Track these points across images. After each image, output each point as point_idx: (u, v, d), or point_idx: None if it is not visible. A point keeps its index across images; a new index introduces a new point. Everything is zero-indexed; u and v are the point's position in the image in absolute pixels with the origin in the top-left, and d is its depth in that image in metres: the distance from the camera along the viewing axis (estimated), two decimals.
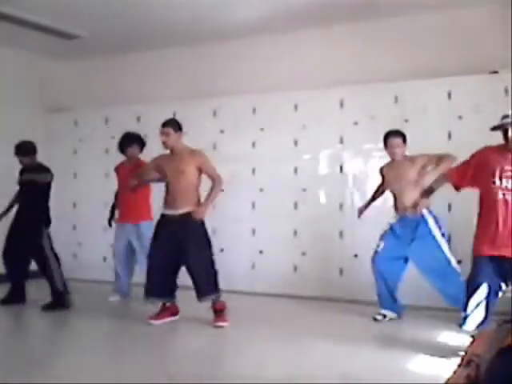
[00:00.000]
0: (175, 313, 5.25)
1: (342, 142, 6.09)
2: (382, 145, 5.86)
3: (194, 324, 5.09)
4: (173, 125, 4.96)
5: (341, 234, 6.06)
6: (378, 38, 6.18)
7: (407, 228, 4.90)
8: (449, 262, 4.83)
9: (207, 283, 4.98)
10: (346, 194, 6.06)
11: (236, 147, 6.57)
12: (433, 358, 3.96)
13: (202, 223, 5.02)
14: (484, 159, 3.98)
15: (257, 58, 6.80)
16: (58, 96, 7.92)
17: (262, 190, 6.45)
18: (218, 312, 5.01)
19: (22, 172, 5.86)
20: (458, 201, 5.29)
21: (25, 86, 7.52)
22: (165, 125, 4.95)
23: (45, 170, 5.76)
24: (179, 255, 4.94)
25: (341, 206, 6.08)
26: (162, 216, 5.07)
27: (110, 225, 6.23)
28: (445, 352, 4.02)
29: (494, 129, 3.89)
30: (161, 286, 5.07)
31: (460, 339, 4.10)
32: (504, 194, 3.86)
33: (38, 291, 5.99)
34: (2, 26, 6.18)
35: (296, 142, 6.29)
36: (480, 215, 4.06)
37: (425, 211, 4.83)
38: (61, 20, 6.25)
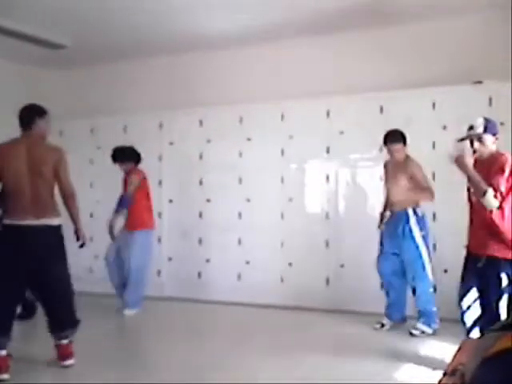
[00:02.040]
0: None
1: (328, 151, 6.10)
2: (368, 155, 5.92)
3: (182, 331, 5.05)
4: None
5: (327, 243, 6.06)
6: (363, 49, 6.21)
7: (394, 222, 5.02)
8: (423, 267, 4.88)
9: (68, 313, 4.16)
10: (333, 203, 6.07)
11: (223, 157, 6.56)
12: (419, 368, 3.96)
13: (62, 236, 4.16)
14: None
15: (243, 68, 6.81)
16: (44, 105, 7.83)
17: (248, 199, 6.43)
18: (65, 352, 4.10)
19: None
20: (442, 210, 5.32)
21: (11, 96, 7.45)
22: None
23: None
24: (31, 277, 4.05)
25: (327, 216, 6.09)
26: (7, 227, 4.01)
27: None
28: (431, 361, 4.02)
29: (461, 140, 3.85)
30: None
31: (446, 349, 4.09)
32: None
33: None
34: None
35: (283, 152, 6.29)
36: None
37: (410, 210, 4.91)
38: (46, 30, 6.22)
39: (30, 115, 4.14)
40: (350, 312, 5.57)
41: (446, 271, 5.31)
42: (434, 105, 5.60)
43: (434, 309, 4.90)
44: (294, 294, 6.14)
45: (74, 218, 4.13)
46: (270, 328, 5.35)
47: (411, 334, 4.83)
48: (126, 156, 6.00)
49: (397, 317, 5.11)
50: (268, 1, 5.42)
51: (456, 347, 2.02)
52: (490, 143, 3.71)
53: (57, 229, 4.08)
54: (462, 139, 3.83)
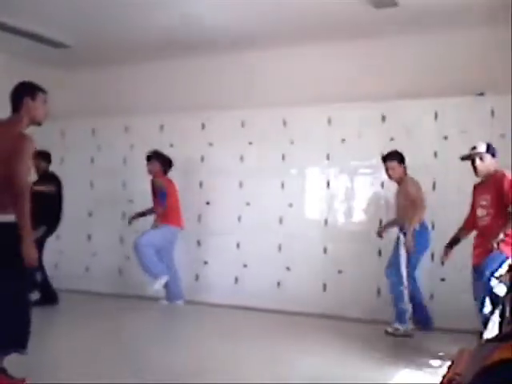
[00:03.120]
0: None
1: (328, 158, 6.13)
2: (368, 162, 5.95)
3: (178, 333, 5.06)
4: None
5: (325, 249, 6.07)
6: (366, 58, 6.23)
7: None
8: (399, 283, 5.01)
9: (16, 328, 3.44)
10: (332, 210, 6.09)
11: (224, 160, 6.58)
12: (417, 373, 3.98)
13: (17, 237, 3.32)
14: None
15: (247, 73, 6.83)
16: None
17: (248, 203, 6.45)
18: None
19: None
20: (441, 219, 5.34)
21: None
22: None
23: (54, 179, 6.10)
24: None
25: (326, 222, 6.10)
26: None
27: (129, 223, 6.43)
28: (428, 370, 4.04)
29: (463, 159, 4.42)
30: None
31: (443, 357, 4.11)
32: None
33: None
34: None
35: (284, 157, 6.32)
36: None
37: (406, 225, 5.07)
38: (49, 28, 6.24)
39: (18, 94, 3.65)
40: (346, 318, 5.58)
41: (443, 280, 5.34)
42: (436, 115, 5.62)
43: (405, 307, 5.01)
44: (291, 298, 6.14)
45: (20, 220, 3.29)
46: (265, 332, 5.36)
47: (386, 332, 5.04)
48: (152, 157, 6.30)
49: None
50: (272, 8, 5.44)
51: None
52: (489, 162, 4.30)
53: (12, 227, 3.31)
54: (465, 157, 4.39)
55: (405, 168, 5.17)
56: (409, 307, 5.03)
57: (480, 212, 4.36)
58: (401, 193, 5.16)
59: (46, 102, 3.67)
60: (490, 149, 4.33)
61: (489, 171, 4.32)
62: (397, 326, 5.04)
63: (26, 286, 3.59)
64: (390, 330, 5.06)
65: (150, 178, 6.27)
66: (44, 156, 6.16)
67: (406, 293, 5.01)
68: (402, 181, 5.17)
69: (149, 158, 6.29)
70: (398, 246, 5.07)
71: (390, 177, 5.22)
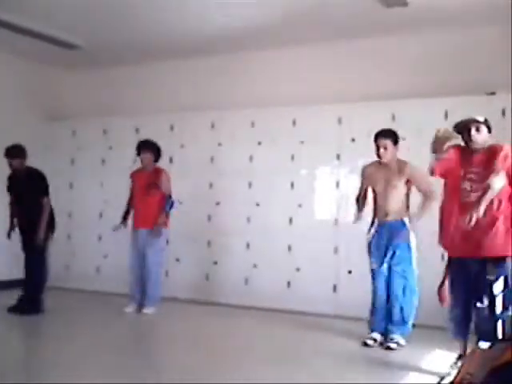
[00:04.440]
0: None
1: (338, 158, 6.12)
2: None
3: (187, 333, 5.06)
4: None
5: (335, 250, 6.06)
6: (377, 57, 6.23)
7: (385, 233, 4.79)
8: (411, 276, 4.73)
9: None
10: (342, 210, 6.07)
11: (233, 161, 6.59)
12: (423, 377, 3.96)
13: None
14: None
15: (256, 73, 6.84)
16: (58, 105, 7.94)
17: (258, 204, 6.45)
18: None
19: (11, 178, 5.90)
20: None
21: (25, 94, 7.53)
22: None
23: (40, 176, 5.82)
24: None
25: (336, 222, 6.09)
26: None
27: (119, 227, 6.12)
28: (436, 371, 4.02)
29: (456, 126, 3.91)
30: None
31: (450, 358, 4.09)
32: None
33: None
34: (3, 33, 6.21)
35: (293, 157, 6.31)
36: None
37: (406, 218, 4.75)
38: (62, 30, 6.29)
39: None
40: (356, 319, 5.56)
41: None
42: (446, 114, 5.60)
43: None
44: (301, 299, 6.14)
45: None
46: (274, 332, 5.36)
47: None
48: (149, 147, 5.98)
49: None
50: (283, 7, 5.45)
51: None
52: (486, 135, 3.87)
53: None
54: (459, 124, 3.89)
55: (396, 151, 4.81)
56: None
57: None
58: (396, 176, 4.72)
59: None
60: (488, 122, 3.90)
61: (483, 145, 3.86)
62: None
63: None
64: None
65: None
66: (17, 150, 5.82)
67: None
68: (392, 162, 4.78)
69: (142, 147, 5.96)
70: (405, 243, 4.72)
71: (379, 157, 4.77)
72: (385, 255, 4.77)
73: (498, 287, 3.69)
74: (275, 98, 6.60)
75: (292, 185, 6.31)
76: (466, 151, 3.92)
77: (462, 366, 2.34)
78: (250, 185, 6.51)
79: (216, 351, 4.70)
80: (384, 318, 4.82)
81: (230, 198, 6.58)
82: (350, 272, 5.95)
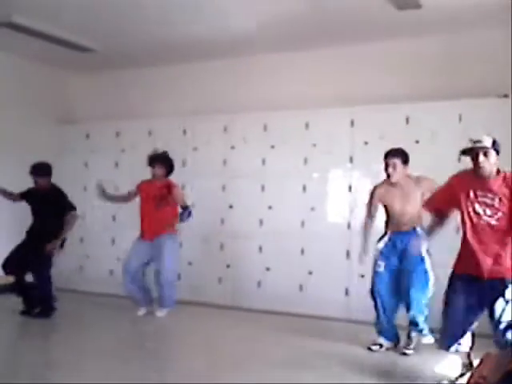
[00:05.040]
0: None
1: (351, 161, 6.10)
2: None
3: (198, 336, 5.07)
4: None
5: (348, 253, 6.04)
6: (390, 60, 6.21)
7: (399, 242, 4.79)
8: (426, 286, 4.71)
9: None
10: (354, 213, 6.04)
11: (246, 164, 6.60)
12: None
13: None
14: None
15: (269, 76, 6.84)
16: (71, 108, 8.00)
17: (270, 207, 6.45)
18: None
19: (32, 191, 5.91)
20: None
21: (38, 98, 7.59)
22: None
23: (63, 194, 5.90)
24: None
25: (348, 226, 6.07)
26: None
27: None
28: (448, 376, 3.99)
29: (464, 153, 3.74)
30: None
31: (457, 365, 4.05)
32: None
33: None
34: (17, 37, 6.26)
35: (306, 160, 6.30)
36: None
37: (418, 228, 4.70)
38: (74, 32, 6.33)
39: None
40: (369, 323, 5.53)
41: None
42: (460, 117, 5.57)
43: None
44: (313, 302, 6.13)
45: None
46: (286, 335, 5.34)
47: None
48: (159, 161, 5.97)
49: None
50: (297, 9, 5.44)
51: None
52: (494, 160, 3.65)
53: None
54: (467, 150, 3.71)
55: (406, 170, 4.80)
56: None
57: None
58: (414, 190, 4.72)
59: None
60: (495, 144, 3.66)
61: (492, 171, 3.66)
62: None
63: None
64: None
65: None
66: (45, 169, 5.85)
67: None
68: (405, 180, 4.77)
69: (155, 161, 5.96)
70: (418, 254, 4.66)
71: (388, 176, 4.79)
72: (395, 264, 4.80)
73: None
74: (288, 101, 6.60)
75: (304, 188, 6.31)
76: (475, 175, 3.72)
77: (475, 369, 2.32)
78: (262, 188, 6.51)
79: (226, 354, 4.71)
80: (390, 320, 4.87)
81: (242, 201, 6.59)
82: (362, 276, 5.92)
